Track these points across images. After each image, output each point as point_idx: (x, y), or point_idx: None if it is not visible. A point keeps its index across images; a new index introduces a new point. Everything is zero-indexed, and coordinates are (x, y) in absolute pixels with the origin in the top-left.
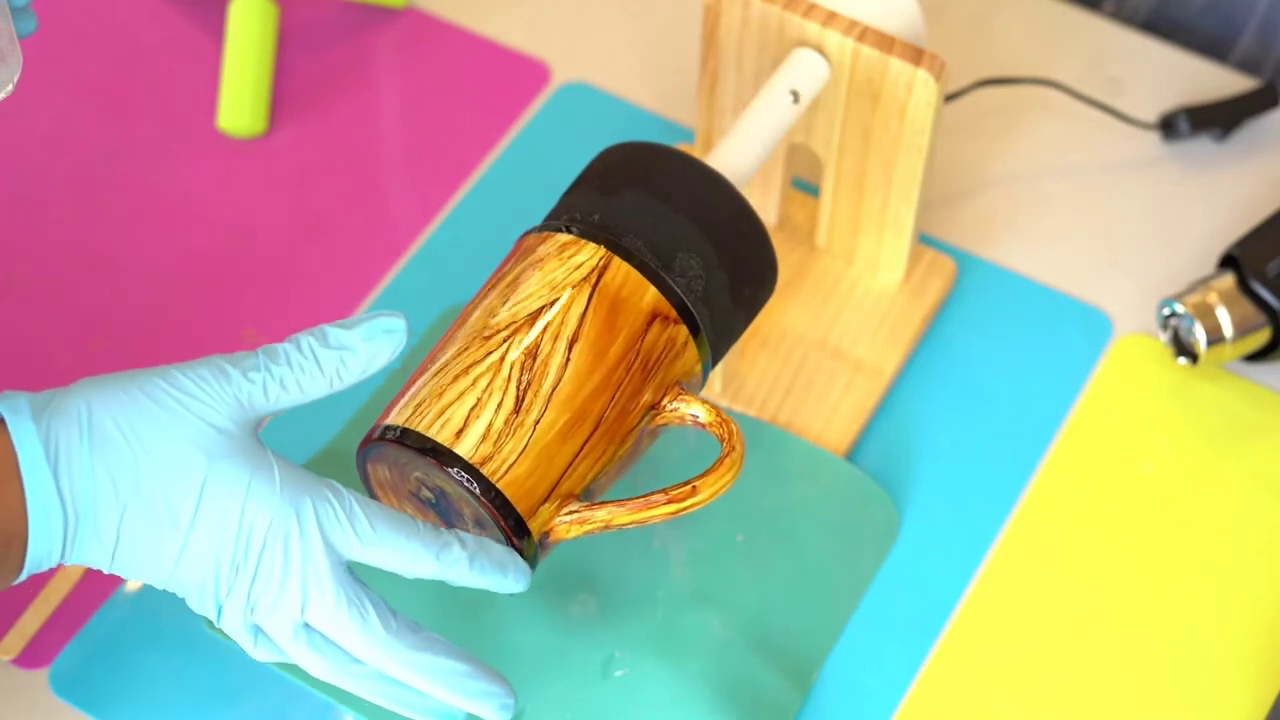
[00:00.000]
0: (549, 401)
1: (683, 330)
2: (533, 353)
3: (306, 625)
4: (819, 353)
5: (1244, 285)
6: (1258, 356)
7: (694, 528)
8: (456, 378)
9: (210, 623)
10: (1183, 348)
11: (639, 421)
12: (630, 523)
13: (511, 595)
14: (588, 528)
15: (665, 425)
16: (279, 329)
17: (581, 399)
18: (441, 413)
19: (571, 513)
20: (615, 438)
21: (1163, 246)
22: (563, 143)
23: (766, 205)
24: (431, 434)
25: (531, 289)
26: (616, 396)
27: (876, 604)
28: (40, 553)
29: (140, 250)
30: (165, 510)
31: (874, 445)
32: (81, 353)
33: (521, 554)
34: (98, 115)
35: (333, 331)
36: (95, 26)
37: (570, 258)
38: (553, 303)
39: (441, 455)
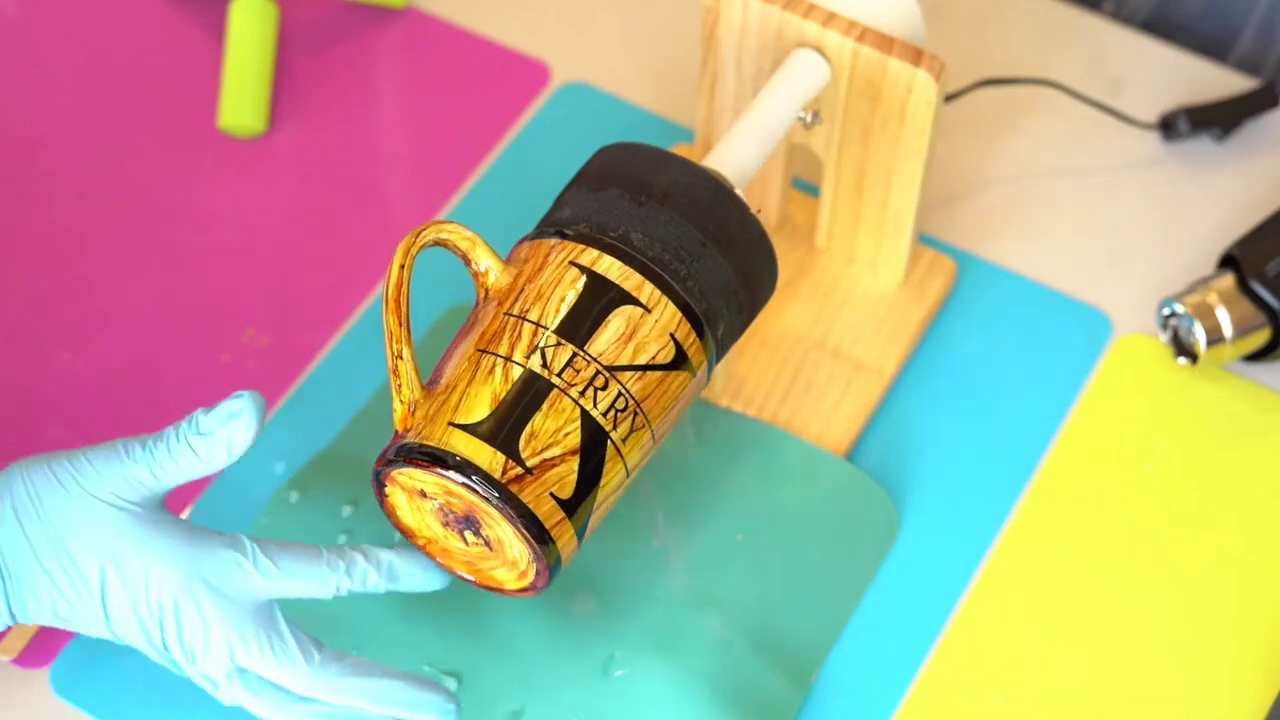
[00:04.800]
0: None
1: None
2: None
3: (240, 669)
4: (819, 353)
5: (1244, 285)
6: (1257, 356)
7: (694, 528)
8: None
9: None
10: (1183, 348)
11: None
12: (398, 354)
13: (513, 600)
14: (429, 402)
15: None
16: (279, 329)
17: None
18: None
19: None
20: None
21: (1163, 246)
22: (563, 143)
23: (766, 205)
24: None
25: None
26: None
27: (876, 604)
28: None
29: (140, 250)
30: (81, 580)
31: (874, 445)
32: (81, 352)
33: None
34: (98, 115)
35: (202, 418)
36: (95, 26)
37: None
38: None
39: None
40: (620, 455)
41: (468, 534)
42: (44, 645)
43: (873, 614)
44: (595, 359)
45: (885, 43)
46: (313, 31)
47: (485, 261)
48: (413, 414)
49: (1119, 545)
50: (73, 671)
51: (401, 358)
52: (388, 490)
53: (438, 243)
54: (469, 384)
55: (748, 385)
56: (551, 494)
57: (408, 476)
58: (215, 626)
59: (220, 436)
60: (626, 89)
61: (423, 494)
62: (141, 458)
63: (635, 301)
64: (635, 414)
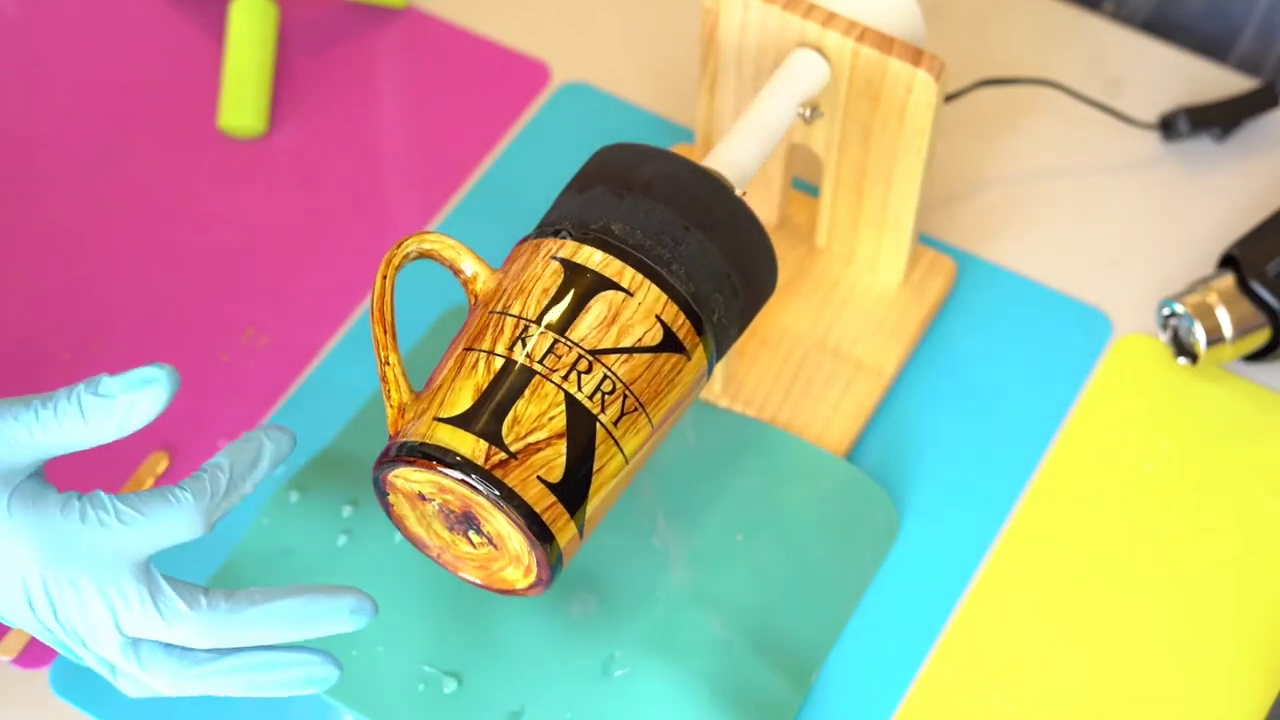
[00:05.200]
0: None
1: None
2: None
3: (133, 642)
4: (819, 353)
5: (1244, 285)
6: (1257, 356)
7: (694, 527)
8: None
9: None
10: (1183, 348)
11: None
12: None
13: (513, 600)
14: (418, 407)
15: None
16: (279, 329)
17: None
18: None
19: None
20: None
21: (1163, 246)
22: (563, 143)
23: (766, 205)
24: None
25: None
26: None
27: (876, 604)
28: None
29: (140, 250)
30: None
31: (874, 445)
32: (81, 353)
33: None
34: (98, 115)
35: (104, 380)
36: (95, 26)
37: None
38: None
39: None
40: (614, 439)
41: (471, 534)
42: (44, 645)
43: (873, 614)
44: (577, 344)
45: (885, 43)
46: (313, 31)
47: (472, 267)
48: (402, 416)
49: (1119, 545)
50: (73, 671)
51: (389, 364)
52: (391, 499)
53: (421, 254)
54: (454, 380)
55: (748, 385)
56: (539, 477)
57: (403, 479)
58: (91, 594)
59: (121, 403)
60: (626, 89)
61: (421, 497)
62: (23, 415)
63: (616, 286)
64: (625, 396)
